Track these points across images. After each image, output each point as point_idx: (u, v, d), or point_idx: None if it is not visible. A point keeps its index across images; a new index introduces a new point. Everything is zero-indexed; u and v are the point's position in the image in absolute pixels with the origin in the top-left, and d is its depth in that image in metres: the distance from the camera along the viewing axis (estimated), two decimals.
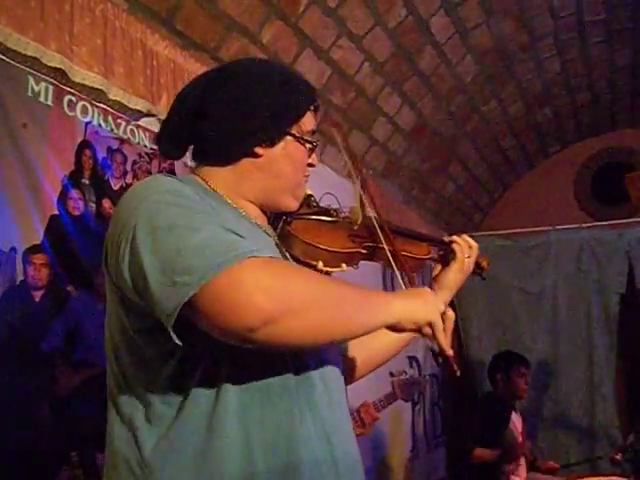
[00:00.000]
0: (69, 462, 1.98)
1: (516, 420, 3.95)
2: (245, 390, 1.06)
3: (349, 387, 1.35)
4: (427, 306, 1.14)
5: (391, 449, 4.26)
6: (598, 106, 5.66)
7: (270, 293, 0.95)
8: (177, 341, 0.98)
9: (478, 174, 5.72)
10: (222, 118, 1.19)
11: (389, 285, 4.33)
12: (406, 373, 3.26)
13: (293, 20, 3.03)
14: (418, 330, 1.14)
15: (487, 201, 6.31)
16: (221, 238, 1.00)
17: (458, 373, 1.22)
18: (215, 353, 1.05)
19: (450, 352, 1.16)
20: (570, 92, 5.34)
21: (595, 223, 5.53)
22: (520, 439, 3.88)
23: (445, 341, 1.15)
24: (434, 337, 1.14)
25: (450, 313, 1.18)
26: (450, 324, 1.17)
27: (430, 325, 1.13)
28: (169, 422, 1.06)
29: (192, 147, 1.28)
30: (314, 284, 1.04)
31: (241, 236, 1.04)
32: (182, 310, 0.96)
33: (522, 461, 3.86)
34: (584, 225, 5.48)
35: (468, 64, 4.30)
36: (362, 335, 1.09)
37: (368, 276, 1.44)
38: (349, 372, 1.42)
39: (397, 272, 1.38)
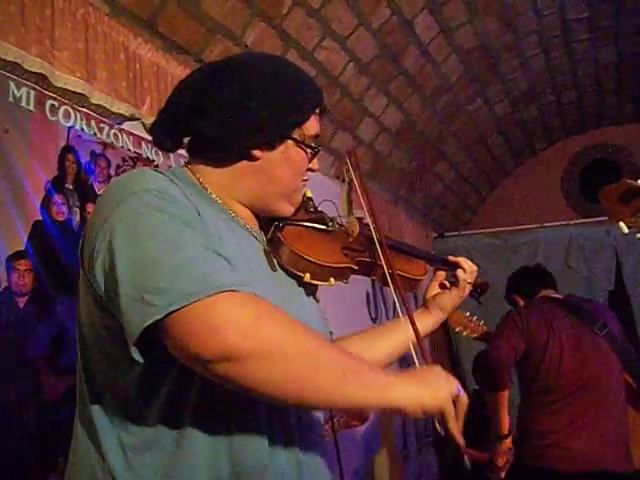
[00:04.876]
0: (56, 469, 1.96)
1: None
2: (216, 406, 1.00)
3: None
4: (438, 391, 1.02)
5: (382, 449, 4.25)
6: (584, 103, 5.69)
7: (239, 329, 0.88)
8: (138, 358, 0.93)
9: (465, 173, 5.74)
10: (220, 116, 1.11)
11: (377, 293, 4.33)
12: None
13: (277, 21, 3.02)
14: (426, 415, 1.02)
15: (475, 200, 6.33)
16: (201, 261, 0.93)
17: (469, 467, 1.07)
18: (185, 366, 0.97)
19: (462, 441, 1.04)
20: (555, 90, 5.36)
21: (583, 220, 5.56)
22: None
23: (457, 430, 1.03)
24: (444, 425, 1.03)
25: (463, 398, 1.06)
26: (462, 410, 1.05)
27: (440, 412, 1.02)
28: (137, 433, 1.00)
29: (188, 140, 1.20)
30: (295, 335, 0.93)
31: (225, 257, 0.97)
32: (147, 327, 0.90)
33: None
34: (572, 222, 5.50)
35: (453, 63, 4.31)
36: (345, 408, 1.00)
37: (356, 281, 1.41)
38: None
39: (393, 291, 1.31)
